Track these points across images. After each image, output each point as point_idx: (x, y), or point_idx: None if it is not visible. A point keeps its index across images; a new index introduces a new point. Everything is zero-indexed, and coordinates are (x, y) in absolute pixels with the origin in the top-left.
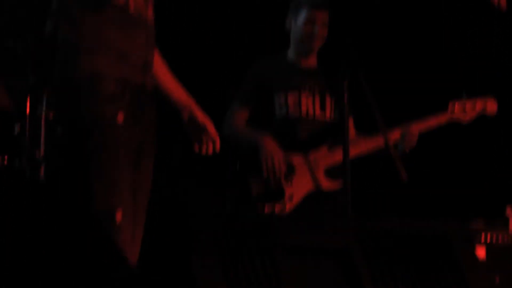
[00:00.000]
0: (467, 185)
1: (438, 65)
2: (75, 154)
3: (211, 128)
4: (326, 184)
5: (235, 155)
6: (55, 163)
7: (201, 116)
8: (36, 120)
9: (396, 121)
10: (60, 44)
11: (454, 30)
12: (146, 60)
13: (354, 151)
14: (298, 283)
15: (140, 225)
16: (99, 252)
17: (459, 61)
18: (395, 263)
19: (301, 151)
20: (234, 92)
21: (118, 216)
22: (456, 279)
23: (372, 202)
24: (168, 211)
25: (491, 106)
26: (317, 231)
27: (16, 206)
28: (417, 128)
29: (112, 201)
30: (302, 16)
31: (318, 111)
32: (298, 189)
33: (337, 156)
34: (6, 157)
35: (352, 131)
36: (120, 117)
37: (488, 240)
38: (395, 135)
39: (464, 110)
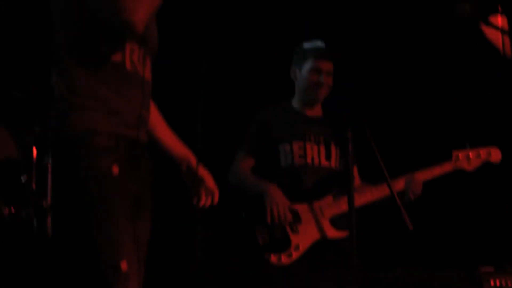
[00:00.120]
0: (473, 231)
1: (441, 114)
2: (74, 208)
3: (209, 181)
4: (332, 233)
5: (241, 203)
6: (58, 218)
7: (199, 169)
8: (43, 169)
9: (401, 169)
10: (55, 99)
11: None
12: (141, 116)
13: (359, 201)
14: None
15: (141, 277)
16: None
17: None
18: None
19: (307, 200)
20: (239, 140)
21: (124, 266)
22: None
23: (378, 251)
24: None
25: (495, 155)
26: (323, 280)
27: (24, 257)
28: (422, 177)
29: (116, 252)
30: (307, 66)
31: (323, 161)
32: (304, 238)
33: (343, 205)
34: (12, 207)
35: (356, 179)
36: (115, 169)
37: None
38: (400, 184)
39: (468, 159)
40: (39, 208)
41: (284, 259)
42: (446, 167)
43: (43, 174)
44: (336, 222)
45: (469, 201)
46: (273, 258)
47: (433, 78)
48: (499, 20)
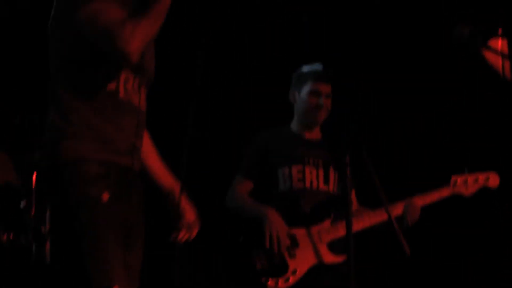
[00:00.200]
0: (470, 256)
1: (438, 140)
2: (65, 234)
3: (190, 216)
4: (329, 258)
5: (238, 227)
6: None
7: (183, 203)
8: (42, 195)
9: (398, 194)
10: (47, 127)
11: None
12: (134, 145)
13: (357, 226)
14: None
15: None
16: None
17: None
18: None
19: (305, 225)
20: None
21: None
22: None
23: (375, 276)
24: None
25: (493, 180)
26: None
27: (22, 283)
28: (420, 202)
29: (107, 278)
30: (306, 89)
31: (321, 185)
32: (301, 262)
33: (341, 230)
34: (11, 233)
35: (354, 204)
36: (105, 196)
37: None
38: (398, 209)
39: (466, 184)
40: (38, 234)
41: (282, 284)
42: (444, 192)
43: (42, 200)
44: (334, 246)
45: (466, 226)
46: (271, 283)
47: (432, 87)
48: (499, 44)
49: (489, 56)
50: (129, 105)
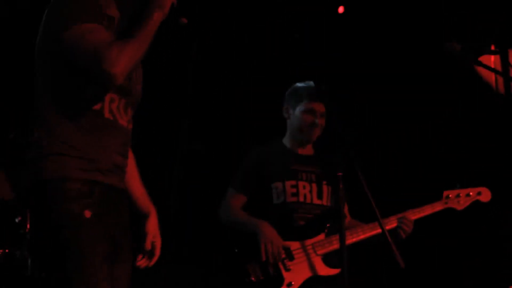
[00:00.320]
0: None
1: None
2: (49, 250)
3: (148, 243)
4: (324, 271)
5: (233, 239)
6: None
7: (150, 229)
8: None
9: (392, 207)
10: (32, 143)
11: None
12: (118, 164)
13: (351, 239)
14: None
15: None
16: None
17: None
18: None
19: (299, 238)
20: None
21: None
22: None
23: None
24: None
25: (485, 195)
26: None
27: None
28: (413, 216)
29: None
30: (301, 107)
31: (315, 199)
32: (296, 275)
33: (335, 243)
34: (7, 248)
35: (347, 217)
36: (88, 213)
37: None
38: (392, 223)
39: (458, 199)
40: (32, 249)
41: None
42: (437, 207)
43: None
44: (328, 259)
45: (458, 237)
46: None
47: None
48: (492, 59)
49: (482, 71)
50: (114, 124)
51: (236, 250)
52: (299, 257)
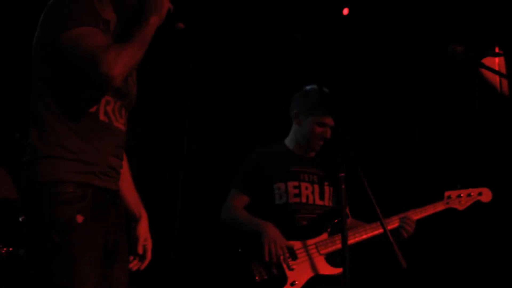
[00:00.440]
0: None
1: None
2: (40, 253)
3: (139, 246)
4: (327, 270)
5: (236, 238)
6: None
7: (141, 233)
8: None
9: (393, 208)
10: (28, 146)
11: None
12: (112, 166)
13: (353, 239)
14: None
15: None
16: None
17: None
18: None
19: (302, 238)
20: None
21: None
22: None
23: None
24: None
25: (486, 195)
26: None
27: None
28: (415, 216)
29: None
30: (315, 118)
31: (317, 200)
32: (300, 275)
33: (338, 243)
34: (10, 247)
35: (348, 218)
36: (79, 218)
37: None
38: (394, 223)
39: (459, 199)
40: None
41: None
42: (438, 207)
43: None
44: (331, 259)
45: (460, 239)
46: None
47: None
48: (496, 61)
49: (486, 73)
50: (109, 126)
51: (239, 250)
52: (302, 257)
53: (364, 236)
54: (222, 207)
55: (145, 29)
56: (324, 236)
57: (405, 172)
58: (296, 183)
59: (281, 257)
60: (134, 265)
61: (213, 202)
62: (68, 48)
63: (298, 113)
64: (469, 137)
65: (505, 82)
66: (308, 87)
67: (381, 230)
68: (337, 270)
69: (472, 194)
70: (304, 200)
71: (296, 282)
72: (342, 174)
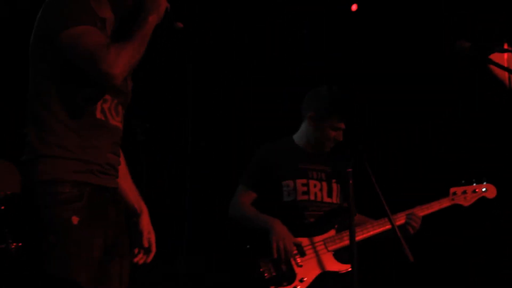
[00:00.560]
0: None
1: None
2: (33, 254)
3: (145, 240)
4: (335, 266)
5: (244, 234)
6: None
7: (144, 227)
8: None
9: (392, 208)
10: (26, 145)
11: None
12: (111, 163)
13: (361, 235)
14: None
15: None
16: None
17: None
18: None
19: (310, 235)
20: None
21: None
22: None
23: (380, 284)
24: None
25: (491, 191)
26: None
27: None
28: (421, 212)
29: None
30: (331, 122)
31: (325, 198)
32: (308, 271)
33: (346, 239)
34: (20, 242)
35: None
36: (75, 220)
37: None
38: (400, 219)
39: (465, 195)
40: None
41: None
42: (444, 203)
43: None
44: (339, 255)
45: (465, 235)
46: None
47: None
48: (505, 57)
49: (495, 69)
50: (106, 124)
51: (248, 246)
52: (310, 253)
53: (372, 232)
54: (230, 203)
55: (144, 28)
56: (332, 232)
57: (404, 172)
58: (304, 181)
59: (289, 255)
60: (140, 258)
61: (214, 202)
62: (67, 47)
63: (314, 115)
64: (469, 137)
65: None
66: (324, 88)
67: (388, 226)
68: (345, 267)
69: (477, 190)
70: (312, 197)
71: (305, 279)
72: (350, 170)
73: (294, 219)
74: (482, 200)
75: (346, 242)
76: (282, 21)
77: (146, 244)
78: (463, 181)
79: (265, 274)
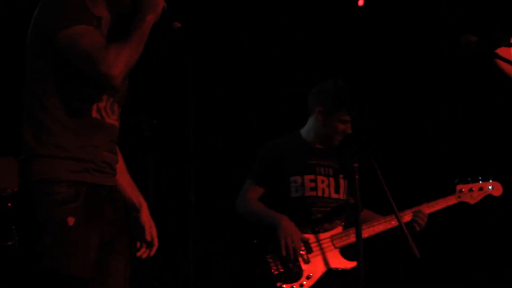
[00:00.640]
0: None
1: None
2: (28, 254)
3: (147, 234)
4: (342, 263)
5: (251, 230)
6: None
7: (145, 221)
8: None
9: (400, 204)
10: (23, 145)
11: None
12: (107, 161)
13: (368, 233)
14: None
15: None
16: None
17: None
18: None
19: (317, 231)
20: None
21: None
22: None
23: (386, 281)
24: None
25: (497, 189)
26: None
27: None
28: (427, 210)
29: None
30: (339, 115)
31: (333, 194)
32: (315, 268)
33: (353, 236)
34: None
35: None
36: (71, 220)
37: None
38: (407, 217)
39: (471, 193)
40: None
41: None
42: (450, 201)
43: None
44: (346, 252)
45: (471, 233)
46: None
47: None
48: (511, 51)
49: (501, 64)
50: (102, 123)
51: (255, 241)
52: (317, 250)
53: (378, 230)
54: (237, 198)
55: (142, 27)
56: (339, 229)
57: (403, 172)
58: (312, 177)
59: (297, 252)
60: (143, 252)
61: (214, 201)
62: (65, 47)
63: (323, 110)
64: (469, 137)
65: None
66: (329, 82)
67: (395, 224)
68: (352, 264)
69: (483, 188)
70: (320, 193)
71: (312, 276)
72: (356, 165)
73: (301, 215)
74: (488, 198)
75: (353, 239)
76: (282, 21)
77: (149, 238)
78: (469, 179)
79: (272, 271)
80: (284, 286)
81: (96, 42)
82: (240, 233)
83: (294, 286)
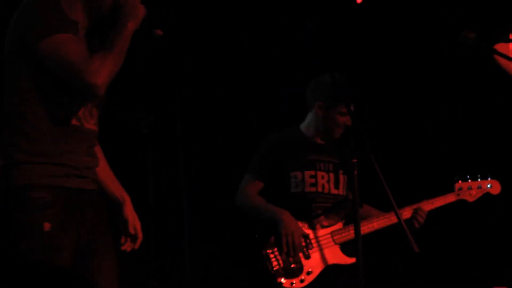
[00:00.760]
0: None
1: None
2: (6, 260)
3: (131, 227)
4: (342, 259)
5: (251, 224)
6: None
7: (128, 215)
8: None
9: (406, 198)
10: (1, 151)
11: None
12: (87, 166)
13: (367, 230)
14: None
15: None
16: None
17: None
18: None
19: (317, 227)
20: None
21: None
22: None
23: (386, 276)
24: None
25: (495, 187)
26: None
27: None
28: (427, 207)
29: None
30: (338, 108)
31: (332, 189)
32: (316, 263)
33: (352, 232)
34: None
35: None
36: (47, 226)
37: None
38: (406, 213)
39: (470, 191)
40: None
41: (297, 284)
42: (449, 198)
43: None
44: (346, 248)
45: (469, 230)
46: (286, 283)
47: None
48: (510, 47)
49: (500, 59)
50: (81, 129)
51: (256, 236)
52: (317, 246)
53: (378, 226)
54: (237, 193)
55: (123, 35)
56: (339, 225)
57: (403, 172)
58: (312, 172)
59: (298, 248)
60: (127, 246)
61: (214, 201)
62: (47, 56)
63: (323, 105)
64: (469, 137)
65: None
66: (327, 76)
67: (394, 221)
68: (352, 260)
69: (482, 186)
70: (320, 189)
71: (312, 271)
72: (355, 160)
73: (302, 211)
74: (487, 196)
75: (353, 235)
76: (282, 21)
77: (132, 231)
78: (468, 177)
79: (273, 266)
80: (285, 281)
81: (78, 51)
82: (240, 233)
83: (295, 282)
